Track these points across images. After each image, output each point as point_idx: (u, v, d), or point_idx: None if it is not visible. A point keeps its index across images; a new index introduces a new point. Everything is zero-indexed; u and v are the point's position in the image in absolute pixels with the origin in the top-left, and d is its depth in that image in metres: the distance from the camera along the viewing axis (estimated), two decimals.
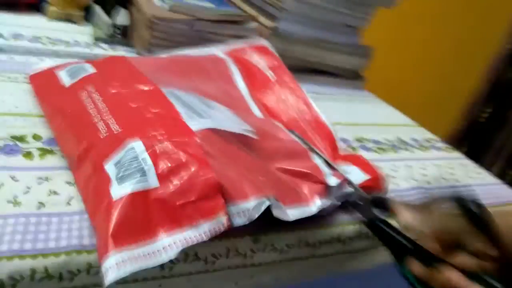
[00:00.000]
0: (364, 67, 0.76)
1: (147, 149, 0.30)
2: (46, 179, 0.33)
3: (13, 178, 0.33)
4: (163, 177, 0.29)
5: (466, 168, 0.58)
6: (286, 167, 0.38)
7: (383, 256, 0.44)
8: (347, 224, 0.39)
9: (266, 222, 0.35)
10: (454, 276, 0.27)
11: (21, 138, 0.37)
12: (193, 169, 0.30)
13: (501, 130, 1.71)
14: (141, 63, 0.45)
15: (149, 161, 0.29)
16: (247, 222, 0.30)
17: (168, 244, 0.27)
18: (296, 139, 0.43)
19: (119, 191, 0.28)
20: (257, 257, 0.35)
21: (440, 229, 0.30)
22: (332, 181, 0.37)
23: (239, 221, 0.30)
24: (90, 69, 0.41)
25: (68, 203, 0.32)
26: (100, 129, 0.33)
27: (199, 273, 0.33)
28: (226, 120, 0.38)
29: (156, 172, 0.29)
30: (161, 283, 0.32)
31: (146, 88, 0.38)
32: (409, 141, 0.61)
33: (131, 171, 0.29)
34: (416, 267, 0.30)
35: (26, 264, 0.27)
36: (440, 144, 0.63)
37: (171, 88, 0.40)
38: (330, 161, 0.40)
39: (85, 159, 0.32)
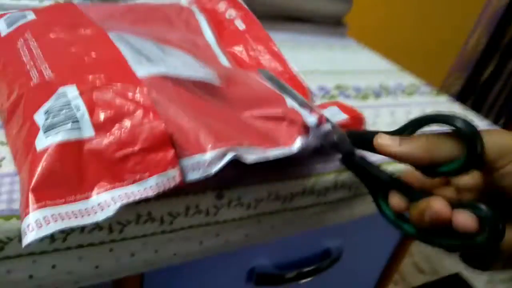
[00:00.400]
0: (345, 13, 0.70)
1: (81, 94, 0.26)
2: None
3: None
4: (99, 126, 0.25)
5: (454, 111, 0.55)
6: (258, 114, 0.34)
7: (362, 207, 0.41)
8: (322, 174, 0.36)
9: (232, 176, 0.31)
10: (436, 203, 0.25)
11: None
12: (136, 116, 0.25)
13: (496, 83, 1.67)
14: (92, 10, 0.40)
15: (82, 107, 0.25)
16: (203, 177, 0.26)
17: (104, 200, 0.23)
18: (268, 82, 0.39)
19: (44, 141, 0.24)
20: (221, 214, 0.32)
21: (425, 151, 0.26)
22: (311, 119, 0.33)
23: (193, 175, 0.26)
24: (30, 16, 0.36)
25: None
26: (32, 76, 0.29)
27: (155, 235, 0.30)
28: (182, 66, 0.34)
29: (91, 119, 0.25)
30: (112, 247, 0.28)
31: (89, 32, 0.33)
32: (392, 86, 0.57)
33: (59, 118, 0.25)
34: (395, 200, 0.27)
35: None
36: (425, 88, 0.59)
37: (120, 32, 0.35)
38: (306, 101, 0.36)
39: (15, 111, 0.28)
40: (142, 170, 0.24)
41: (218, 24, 0.48)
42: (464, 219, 0.24)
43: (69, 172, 0.23)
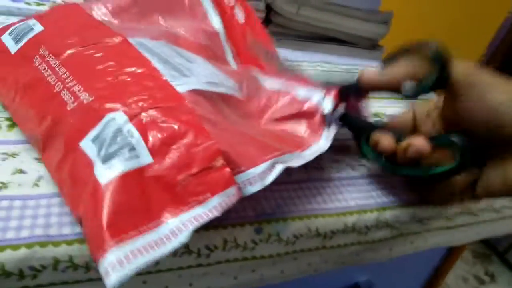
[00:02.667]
0: (382, 36, 0.69)
1: (130, 119, 0.25)
2: (12, 155, 0.28)
3: None
4: (156, 151, 0.24)
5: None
6: (276, 116, 0.35)
7: (402, 247, 0.39)
8: (364, 211, 0.34)
9: (272, 209, 0.30)
10: (418, 140, 0.29)
11: None
12: (189, 137, 0.25)
13: None
14: (96, 7, 0.38)
15: (136, 133, 0.24)
16: (261, 188, 0.26)
17: (175, 227, 0.22)
18: (264, 58, 0.40)
19: (106, 172, 0.23)
20: (259, 249, 0.30)
21: (405, 75, 0.30)
22: (326, 104, 0.35)
23: (250, 190, 0.25)
24: (37, 27, 0.34)
25: (36, 184, 0.27)
26: (66, 99, 0.27)
27: (190, 268, 0.28)
28: (208, 77, 0.33)
29: (147, 145, 0.24)
30: (146, 279, 0.27)
31: (111, 42, 0.31)
32: None
33: (116, 147, 0.24)
34: (386, 140, 0.31)
35: None
36: None
37: (139, 38, 0.33)
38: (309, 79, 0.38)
39: (53, 138, 0.27)
40: (204, 191, 0.24)
41: (222, 10, 0.45)
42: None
43: (136, 203, 0.22)
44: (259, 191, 0.31)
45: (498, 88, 0.27)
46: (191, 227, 0.22)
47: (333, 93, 0.36)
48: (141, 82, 0.28)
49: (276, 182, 0.33)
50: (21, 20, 0.36)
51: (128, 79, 0.28)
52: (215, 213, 0.23)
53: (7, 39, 0.34)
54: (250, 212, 0.30)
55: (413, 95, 0.30)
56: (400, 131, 0.32)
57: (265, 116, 0.36)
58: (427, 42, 0.30)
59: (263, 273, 0.32)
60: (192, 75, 0.31)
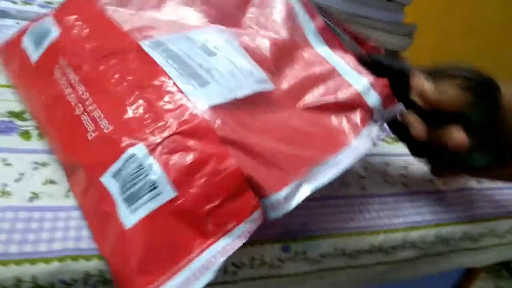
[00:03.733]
0: (406, 48, 0.68)
1: (151, 152, 0.24)
2: (43, 164, 0.29)
3: (4, 161, 0.28)
4: (178, 184, 0.23)
5: None
6: (311, 104, 0.32)
7: (427, 267, 0.38)
8: (391, 231, 0.33)
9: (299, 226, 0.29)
10: (458, 135, 0.31)
11: (18, 115, 0.32)
12: (212, 164, 0.24)
13: None
14: None
15: (157, 169, 0.23)
16: (285, 212, 0.25)
17: (205, 262, 0.22)
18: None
19: (130, 216, 0.23)
20: (286, 267, 0.30)
21: (447, 98, 0.31)
22: (373, 98, 0.32)
23: (274, 214, 0.25)
24: (54, 30, 0.32)
25: (67, 195, 0.27)
26: (86, 125, 0.27)
27: (216, 285, 0.28)
28: (230, 79, 0.30)
29: (170, 178, 0.23)
30: None
31: (126, 51, 0.30)
32: None
33: (138, 186, 0.23)
34: (417, 123, 0.32)
35: (10, 271, 0.22)
36: None
37: (153, 38, 0.31)
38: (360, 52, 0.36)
39: (75, 166, 0.26)
40: (229, 220, 0.23)
41: None
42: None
43: (164, 243, 0.22)
44: None
45: None
46: (221, 260, 0.22)
47: (383, 84, 0.32)
48: (160, 104, 0.26)
49: None
50: (39, 19, 0.35)
51: (147, 99, 0.27)
52: (242, 241, 0.23)
53: (28, 44, 0.33)
54: (277, 229, 0.30)
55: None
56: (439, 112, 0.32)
57: (302, 99, 0.33)
58: (471, 70, 0.31)
59: None
60: (212, 79, 0.29)
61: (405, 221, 0.35)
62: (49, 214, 0.25)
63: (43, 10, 0.51)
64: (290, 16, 0.37)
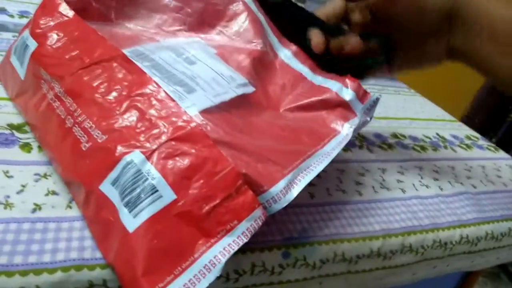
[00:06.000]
0: None
1: (148, 158, 0.24)
2: (45, 175, 0.29)
3: (6, 173, 0.28)
4: (178, 186, 0.24)
5: None
6: (293, 105, 0.35)
7: (426, 271, 0.38)
8: (389, 236, 0.34)
9: (298, 233, 0.30)
10: (353, 39, 0.37)
11: (18, 127, 0.33)
12: (208, 166, 0.24)
13: None
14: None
15: (155, 173, 0.24)
16: (287, 203, 0.26)
17: (208, 262, 0.22)
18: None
19: (132, 220, 0.23)
20: (286, 274, 0.30)
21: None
22: (348, 95, 0.34)
23: (275, 208, 0.25)
24: (31, 43, 0.32)
25: (69, 206, 0.27)
26: (79, 137, 0.26)
27: None
28: (214, 85, 0.32)
29: (168, 182, 0.24)
30: None
31: (110, 59, 0.29)
32: (449, 138, 0.55)
33: (138, 191, 0.23)
34: (317, 36, 0.37)
35: (15, 282, 0.22)
36: (483, 142, 0.57)
37: (133, 46, 0.32)
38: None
39: (73, 178, 0.27)
40: (230, 219, 0.24)
41: None
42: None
43: (166, 245, 0.22)
44: (284, 214, 0.32)
45: None
46: (223, 259, 0.22)
47: (353, 82, 0.35)
48: (152, 112, 0.27)
49: (299, 204, 0.33)
50: (20, 33, 0.34)
51: (138, 107, 0.27)
52: (244, 239, 0.23)
53: (14, 61, 0.34)
54: (277, 236, 0.30)
55: None
56: (333, 24, 0.38)
57: (283, 103, 0.36)
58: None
59: None
60: (197, 86, 0.30)
61: (402, 226, 0.35)
62: (52, 225, 0.25)
63: None
64: (259, 27, 0.39)
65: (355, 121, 0.33)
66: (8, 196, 0.26)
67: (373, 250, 0.33)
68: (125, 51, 0.30)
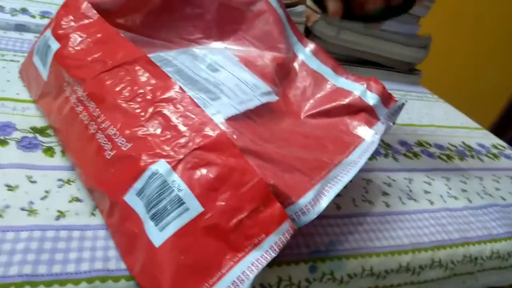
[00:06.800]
0: (421, 60, 0.67)
1: (174, 168, 0.23)
2: (68, 181, 0.28)
3: (29, 178, 0.28)
4: (204, 199, 0.23)
5: None
6: (318, 111, 0.34)
7: (453, 286, 0.37)
8: (419, 250, 0.32)
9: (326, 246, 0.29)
10: None
11: (41, 131, 0.32)
12: (235, 176, 0.23)
13: None
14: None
15: (182, 185, 0.23)
16: (316, 215, 0.25)
17: (237, 277, 0.21)
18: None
19: (159, 233, 0.22)
20: None
21: None
22: (372, 99, 0.33)
23: (304, 220, 0.24)
24: (53, 44, 0.31)
25: (93, 214, 0.26)
26: (103, 144, 0.26)
27: None
28: (239, 92, 0.31)
29: (194, 193, 0.23)
30: None
31: (134, 62, 0.29)
32: (475, 147, 0.53)
33: (164, 203, 0.23)
34: (331, 4, 0.35)
35: None
36: (510, 152, 0.55)
37: (157, 51, 0.32)
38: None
39: (96, 187, 0.26)
40: (258, 232, 0.23)
41: None
42: None
43: (194, 259, 0.22)
44: (311, 227, 0.31)
45: None
46: (252, 275, 0.21)
47: (377, 85, 0.34)
48: (177, 119, 0.26)
49: (326, 216, 0.32)
50: (42, 32, 0.34)
51: (163, 114, 0.26)
52: (272, 254, 0.22)
53: (37, 61, 0.33)
54: (304, 249, 0.29)
55: None
56: None
57: (304, 109, 0.35)
58: None
59: None
60: (222, 93, 0.30)
61: (431, 240, 0.34)
62: (76, 233, 0.25)
63: None
64: (281, 27, 0.38)
65: (380, 127, 0.32)
66: (32, 202, 0.26)
67: (402, 265, 0.32)
68: (152, 54, 0.30)
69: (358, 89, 0.34)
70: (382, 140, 0.47)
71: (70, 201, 0.27)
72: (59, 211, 0.26)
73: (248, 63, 0.35)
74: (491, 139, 0.57)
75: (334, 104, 0.34)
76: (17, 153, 0.29)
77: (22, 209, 0.25)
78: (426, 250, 0.33)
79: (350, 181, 0.37)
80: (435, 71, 0.92)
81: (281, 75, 0.36)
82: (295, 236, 0.29)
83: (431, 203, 0.38)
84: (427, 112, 0.59)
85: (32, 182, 0.27)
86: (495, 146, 0.55)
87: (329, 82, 0.36)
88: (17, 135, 0.31)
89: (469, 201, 0.41)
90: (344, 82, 0.35)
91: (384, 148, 0.45)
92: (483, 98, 1.38)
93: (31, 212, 0.25)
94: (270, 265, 0.27)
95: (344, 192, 0.36)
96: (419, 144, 0.49)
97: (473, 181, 0.44)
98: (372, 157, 0.43)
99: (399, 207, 0.36)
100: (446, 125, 0.57)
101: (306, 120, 0.34)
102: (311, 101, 0.36)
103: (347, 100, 0.34)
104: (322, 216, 0.32)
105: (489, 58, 1.32)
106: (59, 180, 0.28)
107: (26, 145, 0.30)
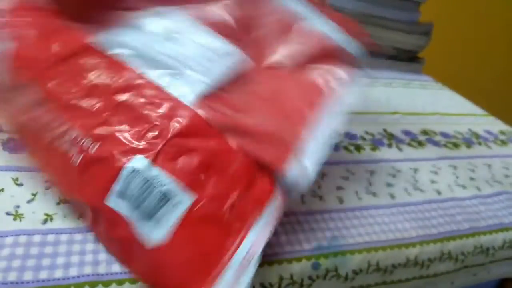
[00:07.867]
0: (423, 47, 0.66)
1: (153, 161, 0.21)
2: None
3: (15, 181, 0.26)
4: (193, 186, 0.22)
5: None
6: (286, 57, 0.31)
7: (464, 279, 0.35)
8: (427, 243, 0.31)
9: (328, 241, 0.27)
10: None
11: None
12: (219, 160, 0.22)
13: None
14: None
15: (165, 179, 0.21)
16: (306, 186, 0.24)
17: (243, 258, 0.21)
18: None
19: (154, 232, 0.21)
20: (316, 286, 0.27)
21: None
22: (350, 44, 0.30)
23: (295, 190, 0.24)
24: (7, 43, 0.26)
25: (82, 215, 0.25)
26: (67, 149, 0.23)
27: None
28: (203, 62, 0.27)
29: (182, 184, 0.21)
30: None
31: (82, 51, 0.25)
32: (482, 134, 0.51)
33: (151, 201, 0.21)
34: None
35: None
36: None
37: (107, 33, 0.26)
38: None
39: (73, 198, 0.24)
40: (252, 210, 0.22)
41: None
42: None
43: (197, 252, 0.21)
44: (313, 221, 0.29)
45: None
46: (255, 252, 0.21)
47: (360, 31, 0.31)
48: (144, 108, 0.23)
49: (328, 210, 0.31)
50: None
51: (126, 104, 0.23)
52: (270, 228, 0.22)
53: None
54: (306, 245, 0.28)
55: None
56: None
57: (274, 55, 0.31)
58: None
59: None
60: (185, 67, 0.26)
61: (440, 231, 0.32)
62: (64, 237, 0.24)
63: None
64: None
65: (355, 74, 0.30)
66: (18, 206, 0.25)
67: (409, 258, 0.30)
68: (98, 39, 0.26)
69: (333, 31, 0.31)
70: (384, 130, 0.45)
71: (58, 203, 0.26)
72: (46, 214, 0.25)
73: (207, 21, 0.31)
74: (498, 125, 0.55)
75: (305, 49, 0.31)
76: (3, 155, 0.28)
77: (7, 213, 0.24)
78: (434, 242, 0.31)
79: (353, 173, 0.36)
80: (438, 58, 0.90)
81: (246, 21, 0.31)
82: (295, 231, 0.28)
83: (438, 193, 0.37)
84: (431, 100, 0.58)
85: (18, 184, 0.26)
86: (502, 132, 0.53)
87: (302, 22, 0.32)
88: (2, 136, 0.30)
89: (478, 189, 0.39)
90: (319, 22, 0.32)
91: (387, 138, 0.44)
92: (487, 84, 1.36)
93: (17, 216, 0.24)
94: (271, 263, 0.26)
95: (347, 184, 0.34)
96: (424, 132, 0.47)
97: (481, 169, 0.43)
98: (375, 148, 0.41)
99: (405, 198, 0.35)
100: (451, 112, 0.56)
101: (280, 74, 0.30)
102: (282, 45, 0.31)
103: (321, 45, 0.31)
104: (323, 210, 0.31)
105: (492, 44, 1.29)
106: (47, 181, 0.27)
107: (13, 146, 0.29)
